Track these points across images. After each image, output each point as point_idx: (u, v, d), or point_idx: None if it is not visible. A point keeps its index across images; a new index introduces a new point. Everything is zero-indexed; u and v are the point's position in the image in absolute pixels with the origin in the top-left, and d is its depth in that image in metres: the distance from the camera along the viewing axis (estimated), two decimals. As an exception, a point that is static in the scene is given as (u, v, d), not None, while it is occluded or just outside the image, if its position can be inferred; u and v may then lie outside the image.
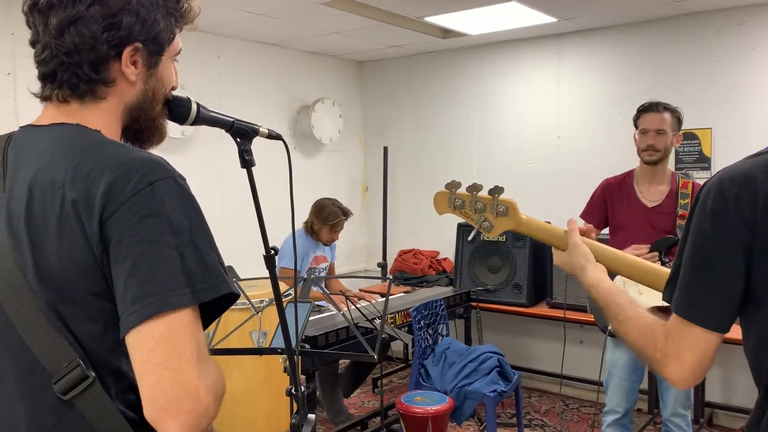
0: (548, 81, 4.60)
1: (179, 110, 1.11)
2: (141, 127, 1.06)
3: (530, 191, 4.59)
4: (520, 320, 4.53)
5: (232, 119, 1.21)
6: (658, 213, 2.89)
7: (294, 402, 1.43)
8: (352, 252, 5.49)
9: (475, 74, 4.94)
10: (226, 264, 3.30)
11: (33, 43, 0.99)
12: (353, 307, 2.59)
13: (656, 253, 2.76)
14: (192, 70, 4.18)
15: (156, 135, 1.09)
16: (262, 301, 2.41)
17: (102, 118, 0.99)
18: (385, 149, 5.24)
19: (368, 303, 3.60)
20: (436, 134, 5.18)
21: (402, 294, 4.22)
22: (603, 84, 4.37)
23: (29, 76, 1.02)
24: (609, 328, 2.87)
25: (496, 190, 1.35)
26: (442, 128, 5.15)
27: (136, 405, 0.92)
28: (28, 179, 0.92)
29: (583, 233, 1.36)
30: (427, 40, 4.68)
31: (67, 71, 0.96)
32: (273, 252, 1.31)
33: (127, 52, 0.98)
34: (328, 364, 3.52)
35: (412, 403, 2.98)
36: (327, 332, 2.98)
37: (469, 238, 1.50)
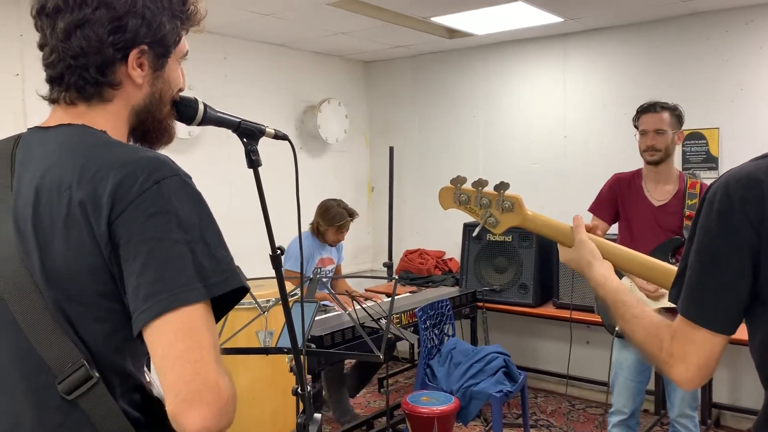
0: (554, 81, 4.59)
1: (186, 111, 1.12)
2: (149, 128, 1.06)
3: (536, 191, 4.58)
4: (527, 320, 4.52)
5: (238, 120, 1.21)
6: (665, 212, 2.88)
7: (300, 401, 1.44)
8: (358, 252, 5.49)
9: (481, 74, 4.93)
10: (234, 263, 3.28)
11: (41, 47, 1.00)
12: (359, 307, 2.59)
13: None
14: (199, 71, 4.20)
15: (164, 136, 1.09)
16: (268, 301, 2.42)
17: (109, 120, 1.00)
18: (391, 149, 5.24)
19: (374, 303, 3.60)
20: (442, 134, 5.18)
21: (408, 294, 4.22)
22: (609, 84, 4.36)
23: (37, 77, 1.02)
24: (616, 328, 2.86)
25: (502, 186, 1.34)
26: (448, 128, 5.15)
27: (141, 405, 0.92)
28: (36, 180, 0.92)
29: (589, 230, 1.35)
30: (433, 40, 4.68)
31: (74, 74, 0.97)
32: (279, 252, 1.32)
33: (133, 54, 0.98)
34: (334, 363, 3.52)
35: (417, 403, 2.98)
36: (333, 332, 2.98)
37: (474, 234, 1.50)
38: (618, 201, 3.00)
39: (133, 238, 0.86)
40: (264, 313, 2.12)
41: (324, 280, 3.94)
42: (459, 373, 3.29)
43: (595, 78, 4.42)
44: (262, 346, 2.23)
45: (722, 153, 3.96)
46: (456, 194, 1.37)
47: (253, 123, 1.23)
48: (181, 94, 1.11)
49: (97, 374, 0.90)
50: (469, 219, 1.35)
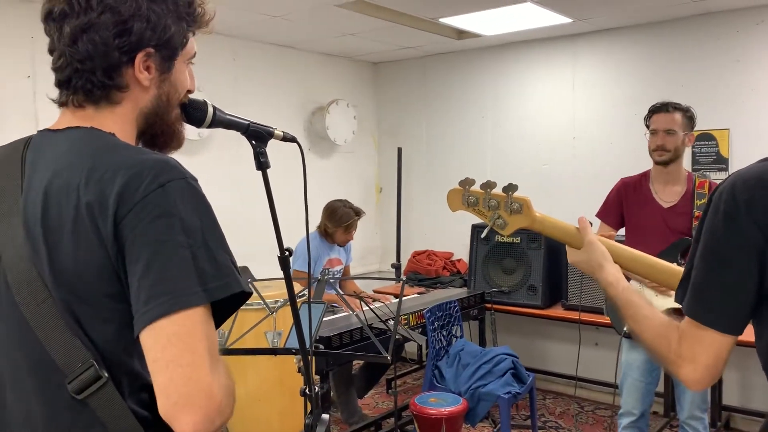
0: (563, 82, 4.58)
1: (196, 113, 1.13)
2: (157, 131, 1.07)
3: (545, 192, 4.57)
4: (535, 322, 4.51)
5: (247, 122, 1.22)
6: (674, 213, 2.87)
7: (308, 402, 1.44)
8: (366, 253, 5.50)
9: (490, 75, 4.93)
10: (241, 264, 3.33)
11: (51, 51, 1.01)
12: (367, 308, 2.60)
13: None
14: (208, 73, 4.22)
15: (173, 140, 1.10)
16: (276, 302, 2.43)
17: (117, 122, 1.01)
18: (399, 150, 5.25)
19: (382, 304, 3.61)
20: (450, 135, 5.18)
21: (416, 295, 4.22)
22: (619, 85, 4.35)
23: (48, 80, 1.04)
24: (625, 329, 2.85)
25: (510, 188, 1.34)
26: (456, 129, 5.14)
27: (150, 404, 0.93)
28: (45, 182, 0.93)
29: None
30: (441, 41, 4.68)
31: (82, 78, 0.98)
32: (287, 253, 1.33)
33: (139, 57, 0.99)
34: (343, 364, 3.53)
35: (426, 404, 2.98)
36: (341, 333, 2.99)
37: (483, 236, 1.50)
38: (624, 205, 2.99)
39: (137, 240, 0.87)
40: (272, 313, 2.13)
41: (332, 281, 3.96)
42: (467, 375, 3.29)
43: (605, 79, 4.40)
44: (271, 346, 2.24)
45: (732, 154, 3.94)
46: (464, 196, 1.38)
47: (261, 125, 1.24)
48: (191, 96, 1.12)
49: (106, 374, 0.90)
50: (478, 220, 1.35)
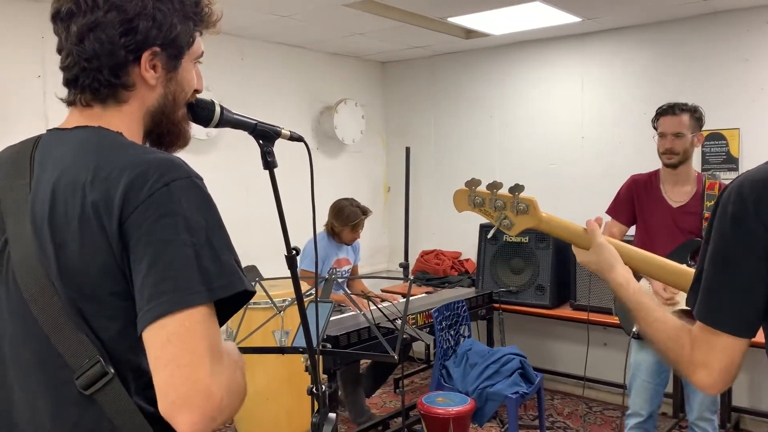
0: (572, 81, 4.56)
1: (203, 113, 1.13)
2: (164, 131, 1.07)
3: (554, 192, 4.56)
4: (543, 322, 4.50)
5: (255, 121, 1.22)
6: (684, 213, 2.85)
7: (315, 401, 1.45)
8: (374, 252, 5.50)
9: (498, 75, 4.92)
10: (250, 264, 3.35)
11: (59, 51, 1.02)
12: (374, 307, 2.60)
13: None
14: (216, 72, 4.23)
15: (180, 139, 1.10)
16: (284, 301, 2.43)
17: (124, 121, 1.02)
18: (408, 150, 5.25)
19: (390, 304, 3.61)
20: (458, 135, 5.17)
21: (424, 295, 4.22)
22: (627, 84, 4.33)
23: (58, 79, 1.04)
24: (634, 330, 2.84)
25: (517, 188, 1.34)
26: (464, 129, 5.14)
27: (156, 400, 0.94)
28: (52, 180, 0.94)
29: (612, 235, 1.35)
30: (449, 41, 4.67)
31: (89, 77, 0.99)
32: (294, 252, 1.33)
33: (145, 56, 1.00)
34: (350, 363, 3.53)
35: (433, 404, 2.98)
36: (349, 332, 2.99)
37: (489, 236, 1.50)
38: (635, 203, 2.98)
39: (142, 239, 0.88)
40: (280, 312, 2.13)
41: (340, 280, 3.96)
42: (475, 374, 3.29)
43: (613, 78, 4.39)
44: (278, 345, 2.24)
45: (743, 154, 3.91)
46: (471, 197, 1.38)
47: (269, 125, 1.24)
48: (198, 96, 1.12)
49: (112, 370, 0.91)
50: (486, 220, 1.35)
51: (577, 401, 4.37)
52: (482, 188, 1.38)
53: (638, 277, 1.40)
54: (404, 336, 2.95)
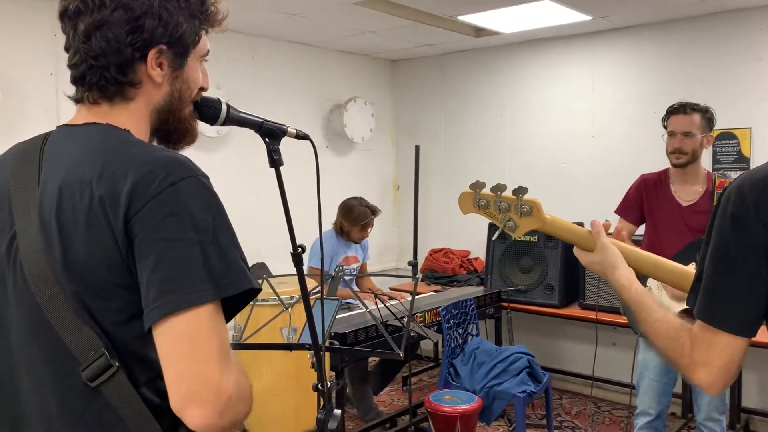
0: (582, 80, 4.54)
1: (209, 111, 1.14)
2: (170, 128, 1.09)
3: (564, 191, 4.55)
4: (552, 321, 4.49)
5: (261, 120, 1.23)
6: (694, 212, 2.84)
7: (321, 397, 1.46)
8: (383, 251, 5.51)
9: (508, 73, 4.91)
10: (260, 261, 3.36)
11: (66, 49, 1.04)
12: (382, 305, 2.61)
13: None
14: (226, 70, 4.25)
15: (186, 137, 1.12)
16: (292, 298, 2.45)
17: (131, 118, 1.03)
18: (417, 148, 5.25)
19: (398, 302, 3.62)
20: (468, 133, 5.17)
21: (432, 293, 4.22)
22: (638, 83, 4.31)
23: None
24: (642, 329, 2.83)
25: (520, 190, 1.35)
26: (474, 127, 5.13)
27: (164, 392, 0.95)
28: (60, 176, 0.96)
29: (607, 231, 1.36)
30: (459, 39, 4.67)
31: (96, 74, 1.01)
32: (300, 250, 1.34)
33: (151, 54, 1.01)
34: (358, 361, 3.54)
35: (440, 402, 2.99)
36: (356, 330, 3.00)
37: (494, 238, 1.51)
38: (644, 202, 2.97)
39: (148, 237, 0.89)
40: (287, 309, 2.15)
41: (347, 278, 3.98)
42: (482, 373, 3.29)
43: (624, 77, 4.37)
44: (286, 342, 2.26)
45: (754, 153, 3.88)
46: (475, 199, 1.39)
47: (275, 123, 1.25)
48: (204, 94, 1.13)
49: (116, 363, 0.93)
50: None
51: (586, 401, 4.36)
52: (486, 191, 1.39)
53: (645, 278, 1.40)
54: (411, 334, 2.96)
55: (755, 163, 3.87)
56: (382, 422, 3.80)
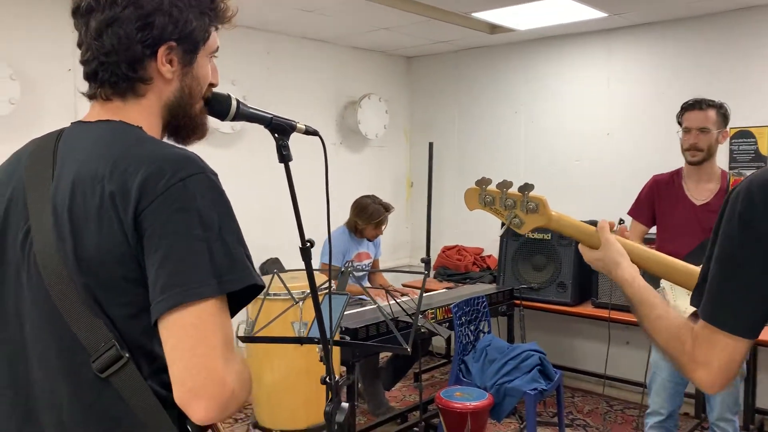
0: (598, 77, 4.52)
1: (219, 107, 1.16)
2: (180, 124, 1.11)
3: (579, 188, 4.53)
4: (564, 319, 4.48)
5: (270, 115, 1.25)
6: (707, 211, 2.82)
7: (328, 390, 1.47)
8: (397, 247, 5.52)
9: (523, 70, 4.89)
10: (273, 256, 3.38)
11: (79, 45, 1.06)
12: (393, 301, 2.62)
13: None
14: (242, 66, 4.28)
15: (197, 132, 1.14)
16: (303, 293, 2.47)
17: (143, 114, 1.06)
18: (431, 145, 5.25)
19: (409, 298, 3.63)
20: (482, 130, 5.16)
21: (444, 290, 4.23)
22: (654, 80, 4.27)
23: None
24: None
25: (526, 187, 1.35)
26: (489, 124, 5.12)
27: (169, 385, 0.97)
28: (73, 172, 0.98)
29: (613, 229, 1.36)
30: (475, 36, 4.66)
31: (107, 71, 1.03)
32: (309, 244, 1.36)
33: (161, 51, 1.03)
34: (368, 356, 3.56)
35: (451, 398, 2.99)
36: (368, 325, 3.02)
37: (499, 234, 1.51)
38: (656, 203, 2.95)
39: (156, 232, 0.92)
40: (297, 303, 2.17)
41: (358, 274, 3.99)
42: (493, 370, 3.29)
43: (640, 74, 4.33)
44: (297, 336, 2.28)
45: (772, 152, 3.84)
46: (481, 195, 1.39)
47: (284, 119, 1.27)
48: (215, 90, 1.15)
49: (126, 354, 0.95)
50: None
51: (598, 399, 4.35)
52: (492, 187, 1.39)
53: (658, 280, 1.40)
54: (422, 330, 2.97)
55: (772, 161, 3.83)
56: (393, 417, 3.81)
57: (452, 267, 4.94)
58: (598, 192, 4.47)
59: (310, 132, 1.33)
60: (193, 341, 0.90)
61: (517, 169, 4.89)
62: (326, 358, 1.47)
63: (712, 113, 2.81)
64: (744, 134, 3.89)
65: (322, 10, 3.98)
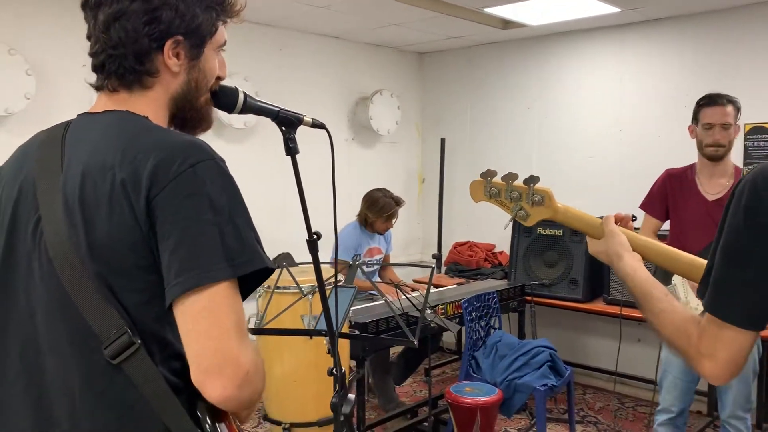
0: (611, 73, 4.49)
1: (226, 100, 1.18)
2: (186, 116, 1.13)
3: (591, 185, 4.51)
4: (576, 316, 4.47)
5: (277, 108, 1.27)
6: (720, 206, 2.78)
7: (335, 382, 1.49)
8: (408, 243, 5.53)
9: (536, 66, 4.87)
10: (285, 251, 3.40)
11: (88, 38, 1.09)
12: (403, 296, 2.63)
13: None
14: (254, 62, 4.30)
15: (202, 124, 1.16)
16: (312, 286, 2.49)
17: (150, 105, 1.07)
18: (443, 141, 5.25)
19: (419, 293, 3.63)
20: (495, 126, 5.15)
21: (455, 285, 4.23)
22: (668, 76, 4.24)
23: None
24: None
25: (532, 180, 1.35)
26: (501, 120, 5.11)
27: (180, 371, 0.99)
28: (82, 162, 1.00)
29: (619, 221, 1.35)
30: (487, 31, 4.65)
31: (114, 63, 1.05)
32: (316, 237, 1.37)
33: (168, 44, 1.05)
34: (379, 351, 3.57)
35: (461, 394, 3.00)
36: (378, 319, 3.03)
37: (505, 227, 1.51)
38: (669, 197, 2.93)
39: (169, 218, 0.93)
40: (305, 296, 2.19)
41: (368, 269, 4.00)
42: (503, 366, 3.29)
43: (654, 70, 4.30)
44: (306, 328, 2.30)
45: (787, 148, 3.80)
46: (486, 188, 1.39)
47: (291, 112, 1.28)
48: (222, 83, 1.17)
49: (138, 341, 0.97)
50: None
51: (609, 396, 4.33)
52: (498, 179, 1.39)
53: (670, 275, 1.39)
54: (432, 325, 2.97)
55: (788, 158, 3.79)
56: (403, 412, 3.82)
57: (464, 263, 4.94)
58: (611, 188, 4.44)
59: (317, 125, 1.34)
60: (207, 324, 0.92)
61: (530, 165, 4.87)
62: (333, 350, 1.48)
63: (731, 109, 2.80)
64: (759, 130, 3.85)
65: (334, 6, 3.99)
